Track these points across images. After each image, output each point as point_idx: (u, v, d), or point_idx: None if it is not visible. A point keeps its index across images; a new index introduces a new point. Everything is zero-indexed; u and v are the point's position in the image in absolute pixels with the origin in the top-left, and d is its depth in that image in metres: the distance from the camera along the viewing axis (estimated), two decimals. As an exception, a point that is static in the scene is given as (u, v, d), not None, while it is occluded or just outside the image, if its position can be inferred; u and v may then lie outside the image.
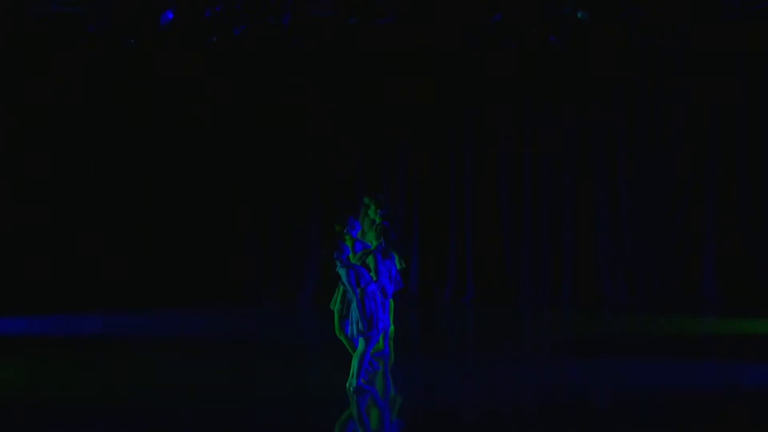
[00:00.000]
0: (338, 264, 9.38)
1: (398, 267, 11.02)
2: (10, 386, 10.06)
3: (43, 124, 15.44)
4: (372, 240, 10.62)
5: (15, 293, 14.99)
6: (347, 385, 9.49)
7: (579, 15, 13.41)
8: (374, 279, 9.52)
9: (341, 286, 9.72)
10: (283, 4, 13.23)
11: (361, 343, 9.43)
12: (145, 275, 15.66)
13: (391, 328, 11.83)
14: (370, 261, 9.67)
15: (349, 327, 9.53)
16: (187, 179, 15.74)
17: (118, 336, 12.98)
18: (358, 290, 9.30)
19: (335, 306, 9.91)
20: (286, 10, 13.30)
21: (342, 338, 9.90)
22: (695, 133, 15.56)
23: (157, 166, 15.69)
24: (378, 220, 11.07)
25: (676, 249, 15.66)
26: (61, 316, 14.27)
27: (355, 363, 9.44)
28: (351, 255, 9.65)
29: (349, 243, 9.84)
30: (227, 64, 15.39)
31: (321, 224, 15.66)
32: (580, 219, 15.75)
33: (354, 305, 9.35)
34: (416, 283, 15.73)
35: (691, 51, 15.20)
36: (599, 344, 12.84)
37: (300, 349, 12.31)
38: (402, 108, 15.70)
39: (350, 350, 9.84)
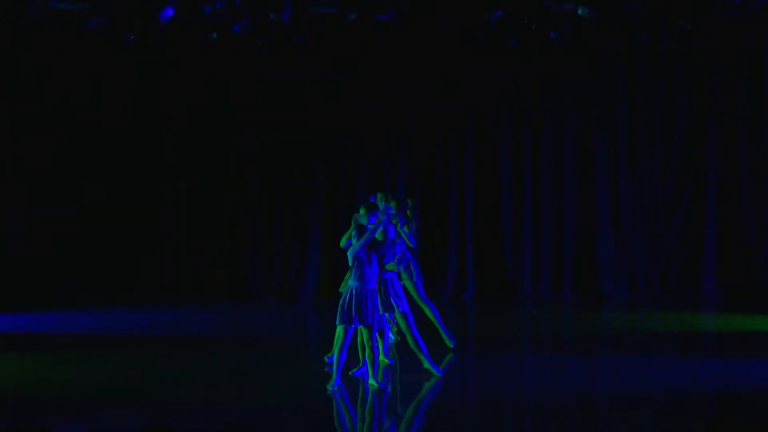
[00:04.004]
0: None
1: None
2: (11, 384, 10.05)
3: (43, 123, 15.42)
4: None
5: (15, 290, 14.98)
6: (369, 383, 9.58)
7: (579, 12, 13.41)
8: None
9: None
10: (284, 0, 13.24)
11: (365, 333, 9.50)
12: (145, 272, 15.66)
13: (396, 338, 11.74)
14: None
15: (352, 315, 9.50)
16: (187, 176, 15.72)
17: (119, 333, 12.98)
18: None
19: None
20: (286, 6, 13.29)
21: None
22: (696, 130, 15.57)
23: (157, 164, 15.67)
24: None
25: (677, 246, 15.68)
26: (63, 313, 14.27)
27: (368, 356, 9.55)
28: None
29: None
30: (227, 61, 15.37)
31: (321, 221, 15.66)
32: (581, 216, 15.77)
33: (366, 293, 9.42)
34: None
35: (691, 49, 15.21)
36: (600, 341, 12.86)
37: (300, 345, 12.31)
38: (402, 104, 15.69)
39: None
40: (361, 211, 9.97)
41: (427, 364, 10.04)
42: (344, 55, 15.44)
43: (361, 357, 9.81)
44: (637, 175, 15.69)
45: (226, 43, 14.45)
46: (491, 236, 15.80)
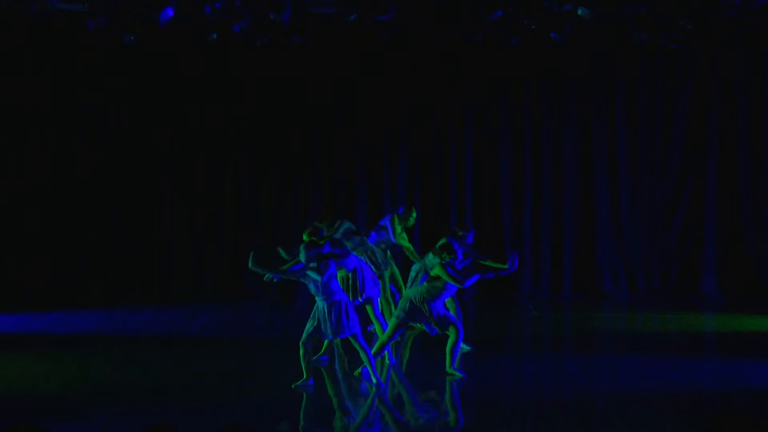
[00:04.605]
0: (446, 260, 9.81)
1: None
2: (11, 384, 10.05)
3: (43, 123, 15.41)
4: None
5: (14, 290, 14.97)
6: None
7: (579, 12, 13.41)
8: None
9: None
10: (284, 0, 13.23)
11: (351, 339, 9.63)
12: (145, 272, 15.66)
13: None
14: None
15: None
16: (186, 176, 15.73)
17: (119, 333, 12.98)
18: None
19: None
20: (286, 6, 13.29)
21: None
22: (695, 130, 15.56)
23: (157, 164, 15.68)
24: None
25: (677, 246, 15.67)
26: (63, 313, 14.27)
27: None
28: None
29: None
30: (227, 61, 15.37)
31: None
32: (581, 216, 15.76)
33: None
34: (416, 280, 15.72)
35: (691, 48, 15.21)
36: (600, 341, 12.86)
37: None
38: (402, 104, 15.69)
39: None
40: (304, 236, 10.26)
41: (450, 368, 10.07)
42: (344, 55, 15.44)
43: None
44: (637, 175, 15.69)
45: (226, 43, 14.44)
46: (491, 236, 15.79)
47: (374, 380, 9.59)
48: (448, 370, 10.00)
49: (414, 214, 11.79)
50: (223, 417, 8.47)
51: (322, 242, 10.04)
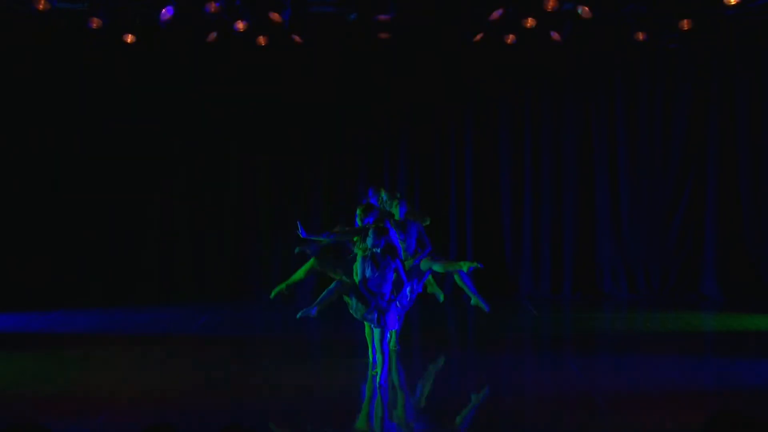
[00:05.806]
0: None
1: None
2: (11, 384, 10.05)
3: (43, 123, 15.40)
4: None
5: (14, 290, 14.97)
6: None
7: (579, 11, 13.41)
8: None
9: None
10: (284, 0, 13.24)
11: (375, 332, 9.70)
12: (145, 272, 15.65)
13: None
14: None
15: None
16: (187, 176, 15.73)
17: (119, 333, 12.98)
18: None
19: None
20: (286, 6, 13.30)
21: None
22: (696, 130, 15.56)
23: (157, 163, 15.67)
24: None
25: (677, 246, 15.67)
26: (63, 313, 14.27)
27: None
28: None
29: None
30: (226, 61, 15.37)
31: (321, 220, 15.65)
32: (581, 216, 15.76)
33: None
34: (416, 280, 15.71)
35: (691, 48, 15.21)
36: (600, 341, 12.86)
37: (299, 345, 12.30)
38: (401, 104, 15.69)
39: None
40: (358, 211, 10.18)
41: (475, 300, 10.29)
42: (344, 55, 15.44)
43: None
44: (637, 175, 15.69)
45: (226, 43, 14.44)
46: (491, 236, 15.80)
47: (378, 380, 9.56)
48: (473, 302, 10.29)
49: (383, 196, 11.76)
50: (223, 417, 8.46)
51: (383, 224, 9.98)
